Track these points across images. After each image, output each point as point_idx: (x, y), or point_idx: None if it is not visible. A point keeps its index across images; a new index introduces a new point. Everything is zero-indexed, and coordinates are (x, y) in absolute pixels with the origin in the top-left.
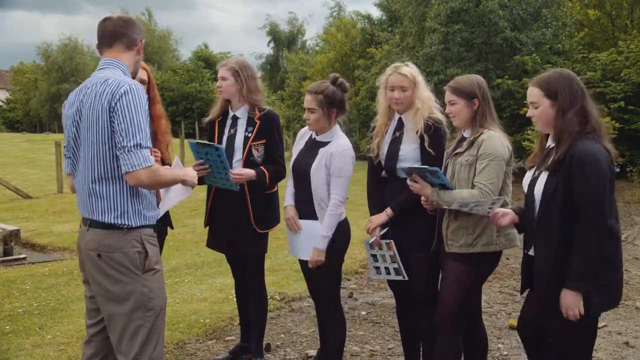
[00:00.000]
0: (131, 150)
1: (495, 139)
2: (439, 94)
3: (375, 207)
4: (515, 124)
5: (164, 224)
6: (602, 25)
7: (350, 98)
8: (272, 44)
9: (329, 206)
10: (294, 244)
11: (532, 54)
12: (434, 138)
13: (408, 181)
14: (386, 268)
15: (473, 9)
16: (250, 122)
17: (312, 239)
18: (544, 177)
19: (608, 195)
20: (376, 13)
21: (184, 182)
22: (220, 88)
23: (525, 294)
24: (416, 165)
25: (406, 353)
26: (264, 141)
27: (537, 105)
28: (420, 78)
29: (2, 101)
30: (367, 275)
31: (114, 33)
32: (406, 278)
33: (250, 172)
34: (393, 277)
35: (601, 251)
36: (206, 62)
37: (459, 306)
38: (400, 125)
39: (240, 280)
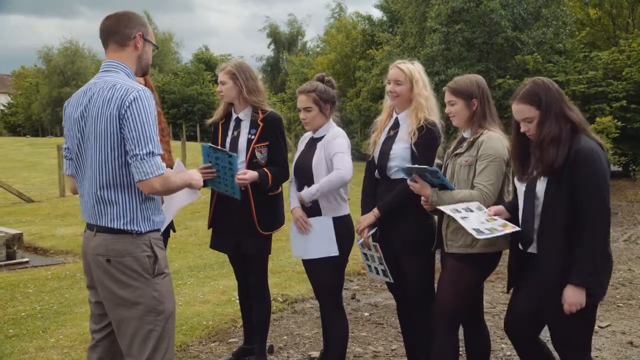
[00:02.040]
0: (144, 159)
1: (495, 140)
2: (439, 94)
3: (366, 207)
4: None
5: (166, 227)
6: (603, 24)
7: (351, 99)
8: (272, 46)
9: (330, 174)
10: (306, 244)
11: (533, 53)
12: (423, 139)
13: (408, 181)
14: (375, 268)
15: (474, 8)
16: (253, 124)
17: (323, 234)
18: (544, 179)
19: (609, 191)
20: (377, 14)
21: (190, 186)
22: (221, 93)
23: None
24: (416, 165)
25: (408, 354)
26: (267, 143)
27: (532, 119)
28: (419, 76)
29: (4, 105)
30: (369, 275)
31: (107, 32)
32: (391, 280)
33: (253, 174)
34: (381, 277)
35: (605, 246)
36: (207, 64)
37: (456, 305)
38: (396, 125)
39: (243, 282)
